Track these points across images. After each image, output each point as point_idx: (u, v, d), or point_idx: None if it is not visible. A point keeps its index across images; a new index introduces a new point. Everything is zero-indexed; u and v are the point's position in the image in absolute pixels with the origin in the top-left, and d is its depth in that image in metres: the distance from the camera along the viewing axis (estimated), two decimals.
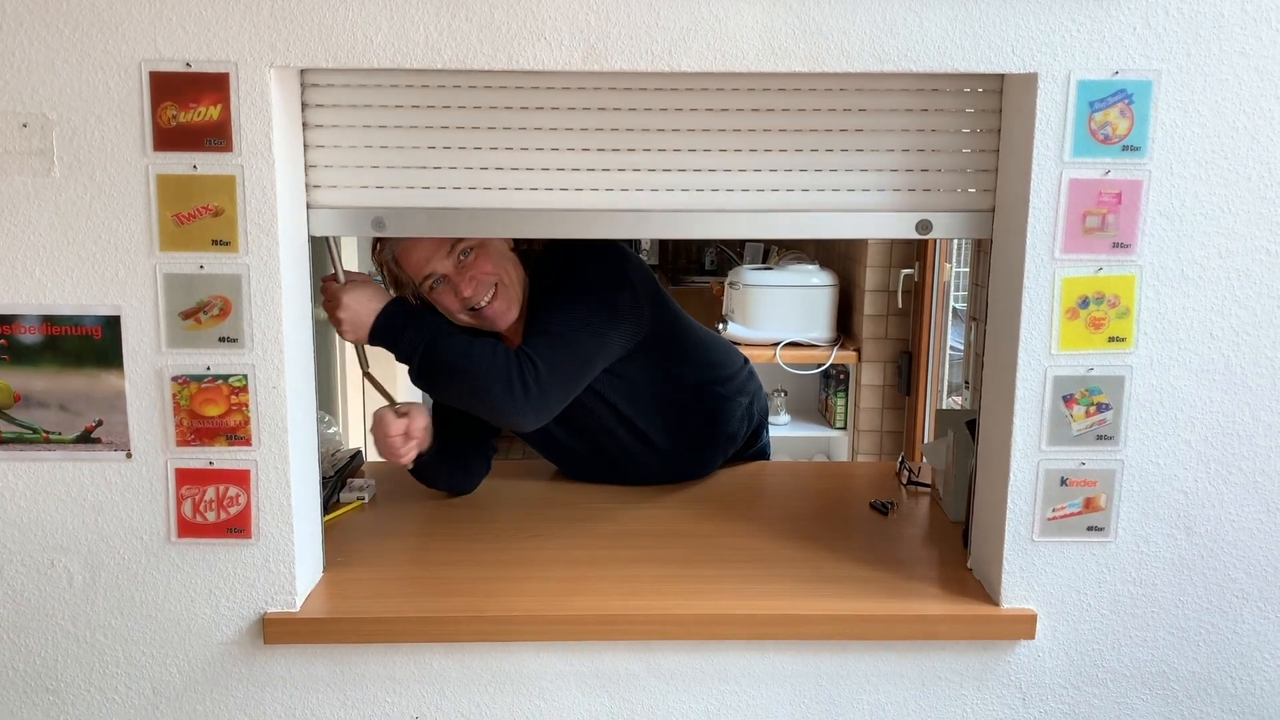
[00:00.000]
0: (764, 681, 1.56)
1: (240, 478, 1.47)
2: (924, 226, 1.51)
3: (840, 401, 3.90)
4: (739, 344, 3.38)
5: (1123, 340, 1.45)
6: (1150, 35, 1.36)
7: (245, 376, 1.44)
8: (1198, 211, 1.42)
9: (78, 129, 1.37)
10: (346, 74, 1.45)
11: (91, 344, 1.43)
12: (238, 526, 1.48)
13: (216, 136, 1.37)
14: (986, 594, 1.57)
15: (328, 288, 1.71)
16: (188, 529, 1.48)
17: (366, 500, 1.95)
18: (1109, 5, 1.36)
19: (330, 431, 2.12)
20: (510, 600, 1.54)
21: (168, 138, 1.37)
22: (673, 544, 1.75)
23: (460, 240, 1.74)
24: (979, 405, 1.62)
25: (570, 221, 1.51)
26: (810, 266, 3.85)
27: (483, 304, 1.78)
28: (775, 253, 4.27)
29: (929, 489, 2.03)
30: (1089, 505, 1.50)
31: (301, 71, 1.44)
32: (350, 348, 1.81)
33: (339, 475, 2.00)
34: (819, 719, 1.57)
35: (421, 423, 1.81)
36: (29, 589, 1.51)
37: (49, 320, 1.43)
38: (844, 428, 3.91)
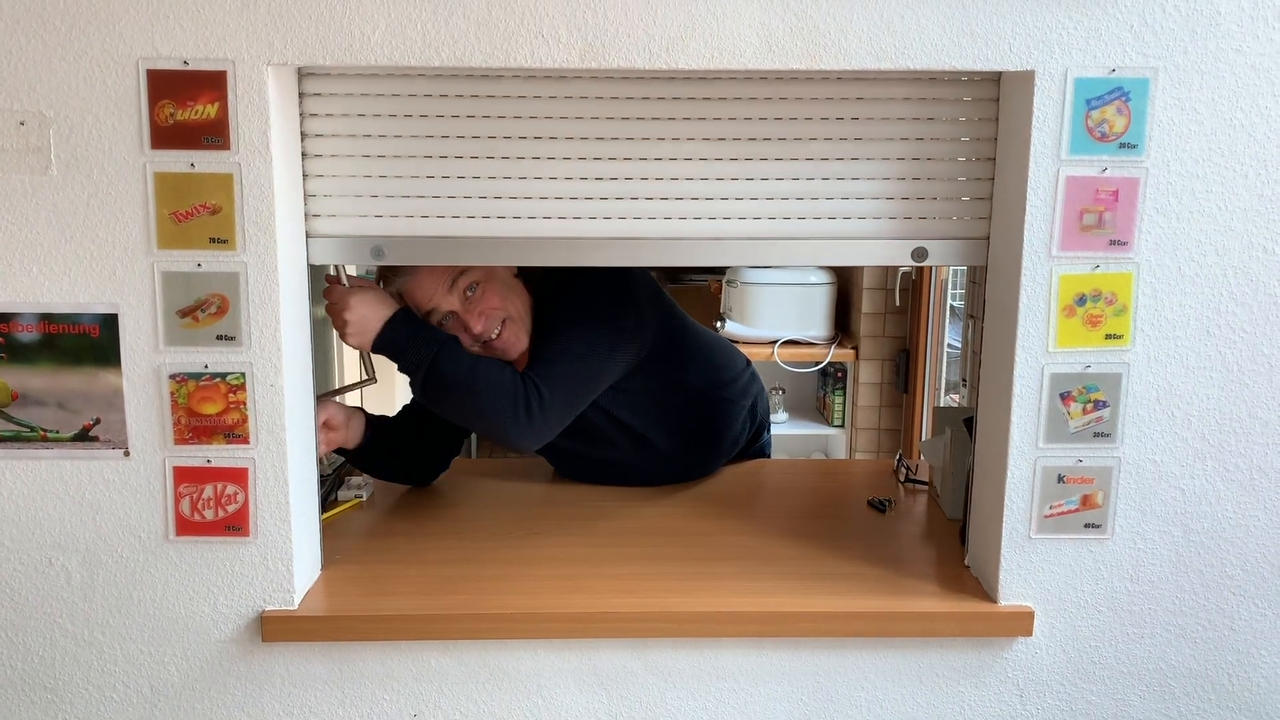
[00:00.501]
0: (761, 679, 1.56)
1: (238, 476, 1.47)
2: (919, 254, 1.53)
3: (838, 399, 3.90)
4: (736, 342, 3.39)
5: (1120, 338, 1.45)
6: (1147, 33, 1.37)
7: (243, 374, 1.44)
8: (1195, 209, 1.42)
9: (75, 127, 1.37)
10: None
11: (89, 342, 1.43)
12: (236, 524, 1.48)
13: (214, 134, 1.37)
14: (984, 591, 1.57)
15: (333, 290, 1.71)
16: (186, 527, 1.48)
17: (364, 498, 1.95)
18: (1106, 3, 1.36)
19: None
20: (508, 598, 1.54)
21: (165, 136, 1.37)
22: (670, 542, 1.75)
23: (463, 274, 1.74)
24: (976, 403, 1.62)
25: (567, 249, 1.52)
26: (807, 265, 3.86)
27: (493, 338, 1.78)
28: None
29: (926, 487, 2.03)
30: (1086, 502, 1.50)
31: (300, 80, 1.44)
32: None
33: (337, 473, 2.00)
34: (816, 716, 1.58)
35: (323, 416, 1.76)
36: (27, 587, 1.51)
37: (47, 318, 1.42)
38: (842, 425, 3.91)
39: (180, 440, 1.46)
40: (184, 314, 1.42)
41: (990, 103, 1.49)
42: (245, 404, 1.45)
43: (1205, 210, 1.42)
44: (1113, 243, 1.42)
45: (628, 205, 1.50)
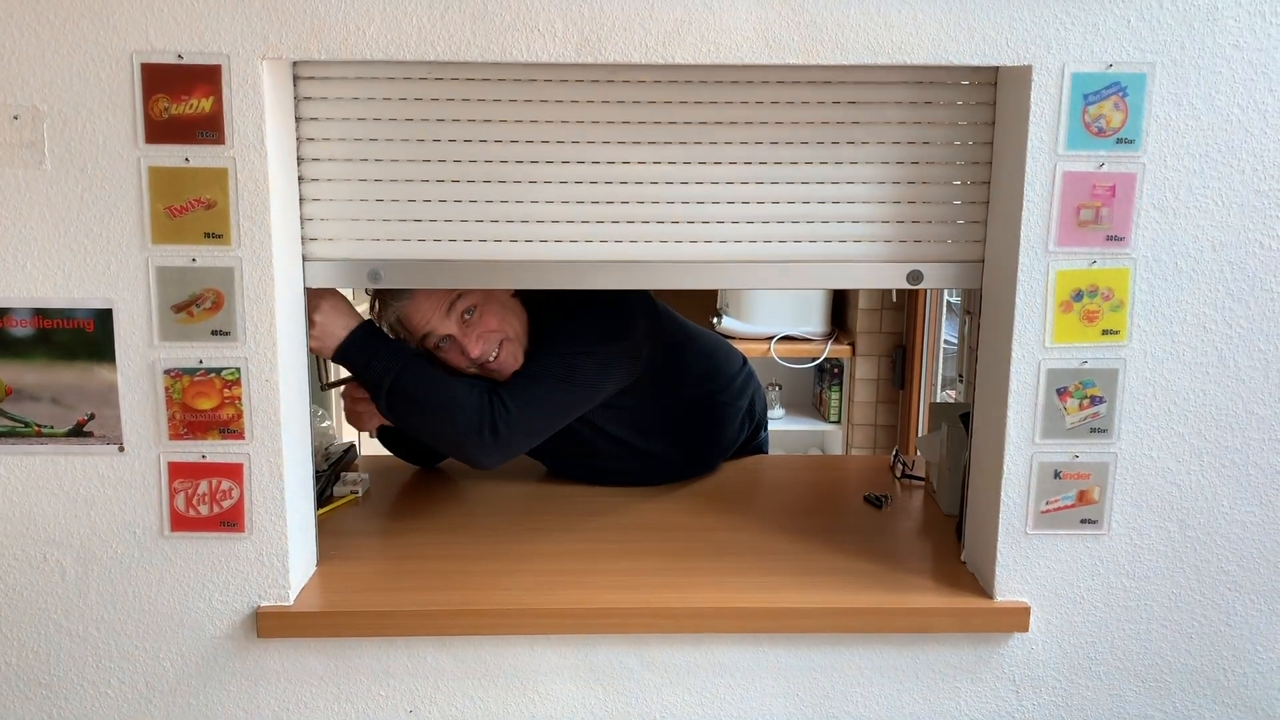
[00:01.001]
0: (758, 674, 1.56)
1: (233, 471, 1.47)
2: (914, 277, 1.53)
3: (834, 395, 3.90)
4: (732, 338, 3.38)
5: (1116, 333, 1.45)
6: (1144, 28, 1.36)
7: (238, 370, 1.44)
8: (1191, 204, 1.42)
9: (69, 121, 1.36)
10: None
11: (83, 337, 1.43)
12: (231, 520, 1.48)
13: (209, 129, 1.36)
14: (980, 587, 1.57)
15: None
16: (180, 523, 1.48)
17: (360, 494, 1.95)
18: None
19: (324, 425, 2.11)
20: (504, 594, 1.54)
21: (159, 130, 1.36)
22: (667, 538, 1.75)
23: (461, 297, 1.73)
24: (973, 399, 1.62)
25: (563, 272, 1.52)
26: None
27: (490, 360, 1.77)
28: None
29: (923, 482, 2.03)
30: (1082, 498, 1.50)
31: (296, 84, 1.44)
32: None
33: (332, 469, 2.00)
34: (813, 712, 1.58)
35: (356, 391, 1.82)
36: (21, 583, 1.50)
37: (40, 313, 1.42)
38: (838, 421, 3.91)
39: (175, 435, 1.45)
40: (179, 309, 1.42)
41: (986, 107, 1.49)
42: (240, 399, 1.44)
43: (1202, 205, 1.42)
44: (1109, 238, 1.42)
45: (625, 229, 1.51)
